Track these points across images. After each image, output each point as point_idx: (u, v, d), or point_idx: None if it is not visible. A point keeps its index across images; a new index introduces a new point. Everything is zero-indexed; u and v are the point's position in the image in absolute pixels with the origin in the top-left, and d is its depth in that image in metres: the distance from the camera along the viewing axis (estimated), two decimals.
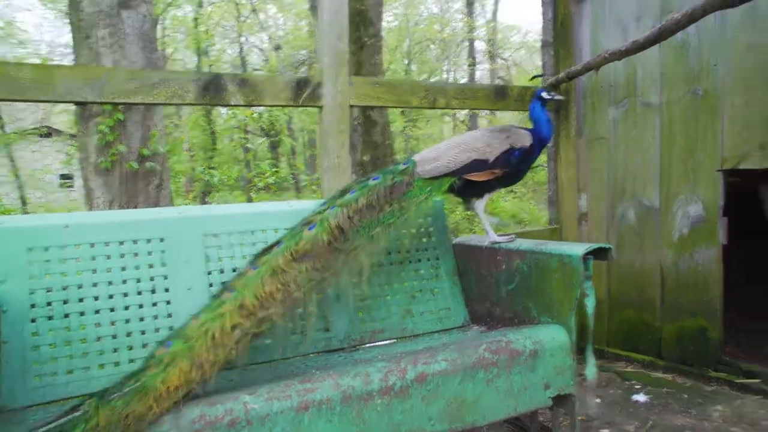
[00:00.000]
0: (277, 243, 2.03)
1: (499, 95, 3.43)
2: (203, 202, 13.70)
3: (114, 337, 2.01)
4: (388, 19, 19.98)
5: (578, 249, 2.19)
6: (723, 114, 3.09)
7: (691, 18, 2.38)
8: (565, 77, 3.44)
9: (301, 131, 20.12)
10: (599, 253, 2.22)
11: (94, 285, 2.04)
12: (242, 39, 20.67)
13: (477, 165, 2.35)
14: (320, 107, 2.87)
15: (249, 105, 2.78)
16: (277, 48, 16.50)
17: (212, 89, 2.62)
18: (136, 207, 4.32)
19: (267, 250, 2.03)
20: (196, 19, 18.31)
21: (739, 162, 3.02)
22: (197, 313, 1.85)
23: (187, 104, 2.71)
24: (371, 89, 3.02)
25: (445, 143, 2.44)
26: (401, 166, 2.30)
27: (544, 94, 2.61)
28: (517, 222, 9.25)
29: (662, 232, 3.38)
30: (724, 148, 3.09)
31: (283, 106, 2.90)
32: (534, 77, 3.37)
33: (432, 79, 21.48)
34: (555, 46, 3.87)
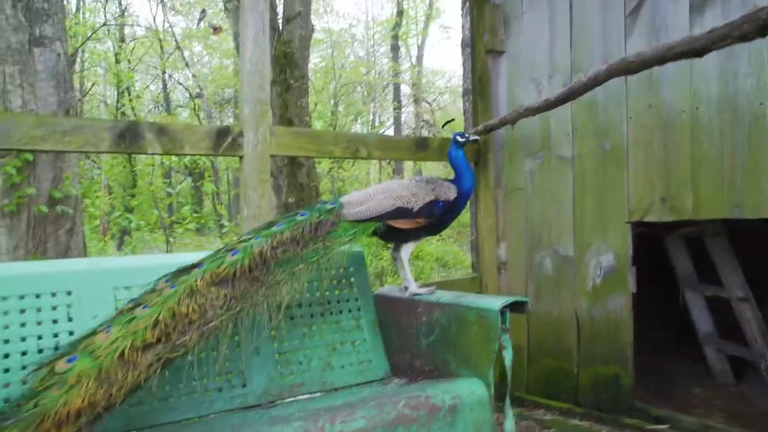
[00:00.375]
0: (198, 264, 2.00)
1: (420, 146, 3.50)
2: (121, 244, 13.17)
3: (7, 401, 1.86)
4: (315, 61, 20.17)
5: (496, 303, 2.23)
6: (628, 168, 3.27)
7: (596, 81, 2.53)
8: (483, 130, 3.55)
9: (225, 170, 19.83)
10: (516, 306, 2.27)
11: None
12: (166, 76, 20.31)
13: (401, 212, 2.41)
14: (241, 156, 2.84)
15: (167, 153, 2.71)
16: (198, 96, 16.33)
17: (128, 137, 2.54)
18: (44, 253, 4.09)
19: (186, 270, 1.99)
20: (117, 54, 17.86)
21: (645, 214, 3.19)
22: (107, 326, 1.76)
23: (101, 152, 2.62)
24: (293, 139, 3.02)
25: (373, 188, 2.50)
26: (328, 206, 2.34)
27: (459, 138, 2.71)
28: (441, 265, 9.39)
29: (577, 281, 3.49)
30: (630, 201, 3.26)
31: (202, 155, 2.85)
32: (445, 123, 3.45)
33: (359, 120, 21.79)
34: (474, 99, 4.01)
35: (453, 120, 3.87)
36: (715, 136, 2.92)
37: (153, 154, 2.66)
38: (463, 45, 7.37)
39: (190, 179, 18.03)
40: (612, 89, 3.19)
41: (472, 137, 2.80)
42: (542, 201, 3.68)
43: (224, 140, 2.77)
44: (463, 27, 7.46)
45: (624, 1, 3.28)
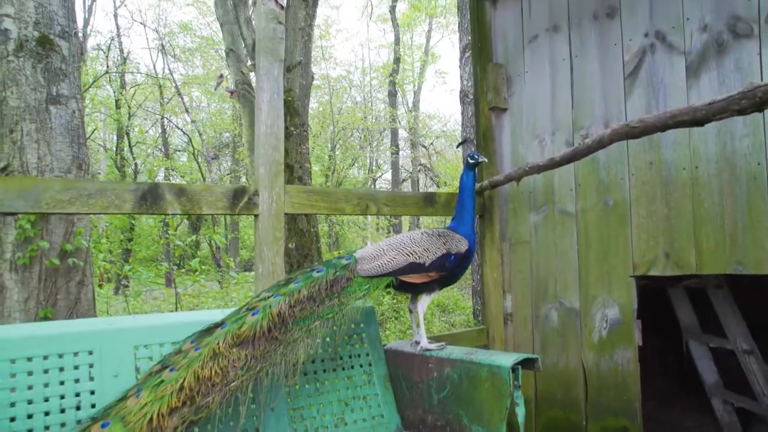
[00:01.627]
0: (221, 324, 2.06)
1: (428, 202, 3.59)
2: (119, 286, 13.14)
3: None
4: (313, 105, 20.50)
5: (507, 360, 2.27)
6: (631, 223, 3.35)
7: (600, 144, 2.63)
8: (488, 185, 3.65)
9: (224, 213, 20.00)
10: (526, 362, 2.32)
11: (12, 405, 1.92)
12: (165, 120, 20.60)
13: (413, 268, 2.46)
14: (256, 215, 2.92)
15: (186, 213, 2.78)
16: (215, 158, 16.63)
17: (149, 198, 2.61)
18: (55, 305, 4.13)
19: (209, 330, 2.04)
20: (117, 100, 18.14)
21: (649, 269, 3.26)
22: (137, 389, 1.82)
23: (123, 213, 2.68)
24: (305, 197, 3.10)
25: (386, 242, 2.54)
26: (344, 261, 2.40)
27: (470, 159, 2.89)
28: (441, 310, 9.41)
29: (583, 334, 3.54)
30: (634, 255, 3.33)
31: (220, 214, 2.93)
32: (460, 143, 3.54)
33: (356, 164, 22.03)
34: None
35: (467, 140, 3.97)
36: (715, 194, 3.02)
37: (173, 214, 2.74)
38: (462, 95, 7.56)
39: (187, 222, 18.12)
40: (613, 147, 3.29)
41: (481, 158, 2.93)
42: (547, 254, 3.76)
43: (240, 200, 2.85)
44: (461, 78, 7.66)
45: (623, 63, 3.43)
